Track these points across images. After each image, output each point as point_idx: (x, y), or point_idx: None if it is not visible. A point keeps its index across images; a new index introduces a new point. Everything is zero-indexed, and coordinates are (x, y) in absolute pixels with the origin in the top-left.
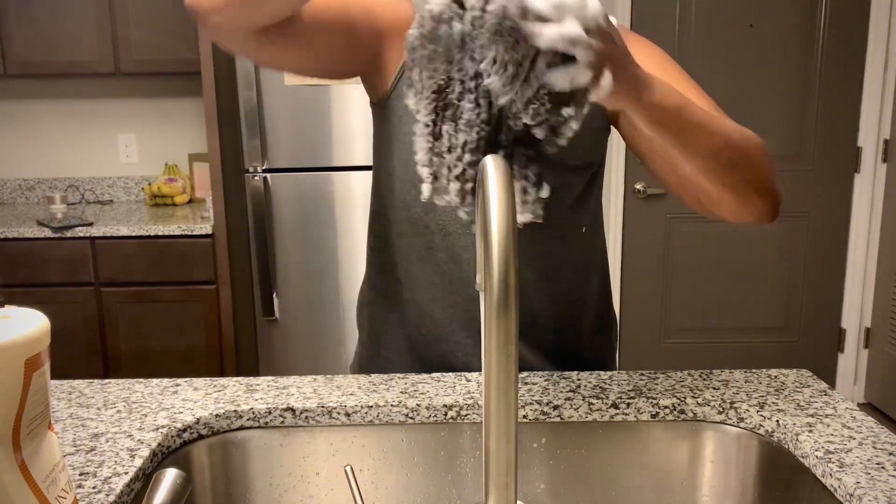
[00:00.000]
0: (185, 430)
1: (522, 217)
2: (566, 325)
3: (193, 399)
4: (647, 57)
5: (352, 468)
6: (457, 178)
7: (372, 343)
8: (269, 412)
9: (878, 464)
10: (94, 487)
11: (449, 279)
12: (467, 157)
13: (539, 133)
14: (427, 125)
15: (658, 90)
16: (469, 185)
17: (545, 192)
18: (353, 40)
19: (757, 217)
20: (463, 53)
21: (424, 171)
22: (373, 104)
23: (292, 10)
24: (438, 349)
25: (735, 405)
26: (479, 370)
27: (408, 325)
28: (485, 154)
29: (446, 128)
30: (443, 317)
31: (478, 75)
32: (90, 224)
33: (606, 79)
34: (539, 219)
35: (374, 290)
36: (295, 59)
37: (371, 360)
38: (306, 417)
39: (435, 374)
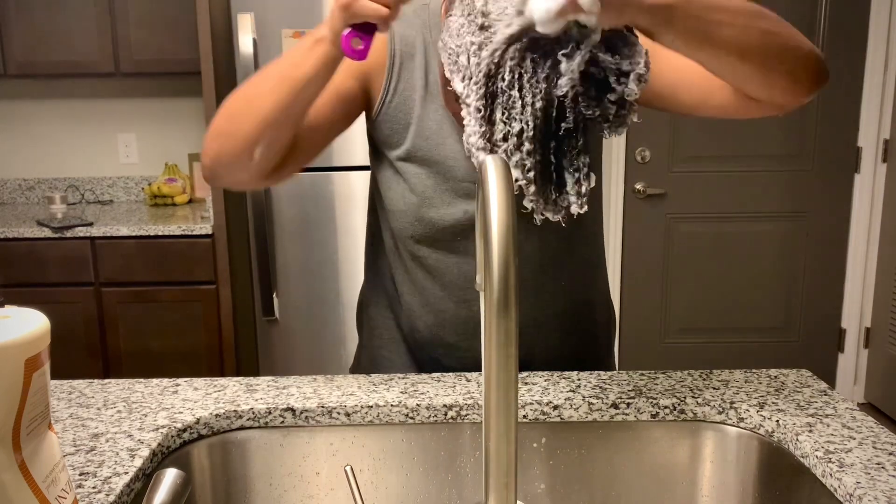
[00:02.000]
0: (185, 430)
1: (580, 209)
2: (574, 323)
3: (193, 399)
4: None
5: (352, 468)
6: (515, 166)
7: (371, 344)
8: (269, 412)
9: (878, 464)
10: (94, 487)
11: (440, 283)
12: (526, 146)
13: (612, 114)
14: (479, 109)
15: None
16: (530, 174)
17: (593, 181)
18: (349, 104)
19: (814, 77)
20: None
21: (480, 155)
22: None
23: (292, 135)
24: (432, 352)
25: (735, 405)
26: (472, 373)
27: (403, 328)
28: (540, 144)
29: (499, 115)
30: (435, 321)
31: (532, 64)
32: (90, 224)
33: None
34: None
35: (372, 292)
36: (311, 159)
37: (370, 362)
38: (306, 417)
39: (435, 374)
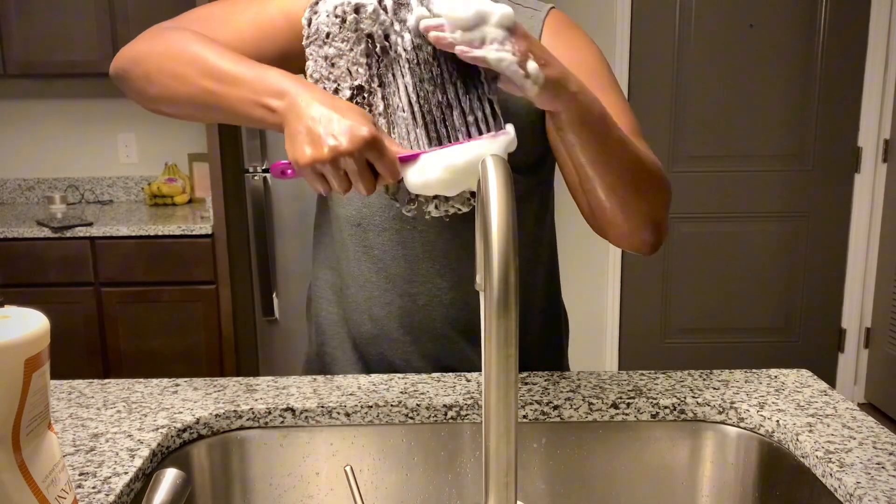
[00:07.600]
0: (184, 430)
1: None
2: None
3: (193, 399)
4: (575, 51)
5: (352, 468)
6: None
7: (318, 340)
8: (269, 412)
9: (878, 464)
10: (94, 487)
11: (385, 276)
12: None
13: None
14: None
15: (586, 91)
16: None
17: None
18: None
19: (639, 246)
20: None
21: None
22: None
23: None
24: (378, 347)
25: (735, 405)
26: (418, 369)
27: (349, 322)
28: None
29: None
30: (381, 314)
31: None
32: (90, 224)
33: (533, 66)
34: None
35: (319, 286)
36: None
37: (317, 357)
38: (306, 417)
39: (435, 374)
